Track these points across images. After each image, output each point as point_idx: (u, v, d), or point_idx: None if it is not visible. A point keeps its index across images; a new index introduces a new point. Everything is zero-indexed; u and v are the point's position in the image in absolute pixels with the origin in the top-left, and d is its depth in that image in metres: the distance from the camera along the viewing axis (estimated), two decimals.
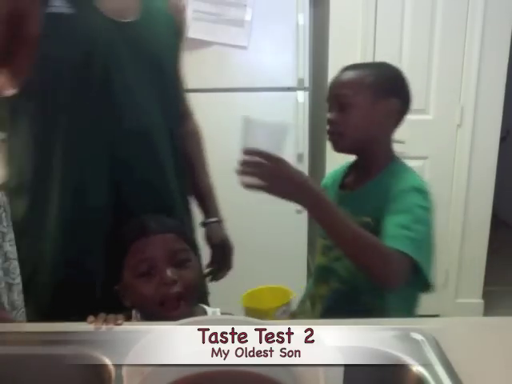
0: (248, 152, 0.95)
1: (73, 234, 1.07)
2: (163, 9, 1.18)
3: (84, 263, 1.09)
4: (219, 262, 1.38)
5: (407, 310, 1.14)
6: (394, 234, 1.02)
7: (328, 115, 1.15)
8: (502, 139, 2.65)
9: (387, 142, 1.18)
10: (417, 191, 1.10)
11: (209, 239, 1.36)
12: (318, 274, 1.22)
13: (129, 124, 1.06)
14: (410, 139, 2.51)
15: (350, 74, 1.15)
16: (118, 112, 1.06)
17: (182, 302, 0.95)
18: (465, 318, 0.97)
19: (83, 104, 1.04)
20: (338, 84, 1.15)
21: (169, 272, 0.95)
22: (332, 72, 2.48)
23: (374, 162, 1.16)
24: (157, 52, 1.12)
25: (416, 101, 2.65)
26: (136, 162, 1.09)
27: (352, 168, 1.24)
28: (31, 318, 1.22)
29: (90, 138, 1.05)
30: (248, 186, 0.95)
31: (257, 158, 0.95)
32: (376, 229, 1.05)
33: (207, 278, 1.35)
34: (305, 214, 2.63)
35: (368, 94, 1.11)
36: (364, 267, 1.00)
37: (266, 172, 0.95)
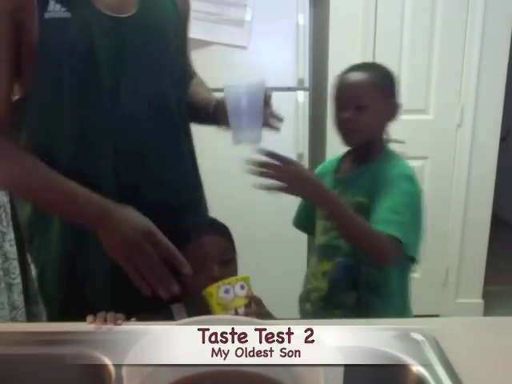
0: (264, 153, 1.06)
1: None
2: None
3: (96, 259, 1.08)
4: None
5: (401, 277, 1.29)
6: (385, 218, 1.16)
7: (339, 113, 1.25)
8: (502, 139, 2.65)
9: (383, 133, 1.33)
10: (406, 178, 1.23)
11: None
12: (321, 253, 1.33)
13: (131, 118, 1.06)
14: (410, 139, 2.50)
15: (360, 76, 1.25)
16: (121, 103, 1.05)
17: None
18: (465, 318, 0.98)
19: (88, 103, 1.04)
20: (350, 85, 1.25)
21: (216, 270, 1.05)
22: (332, 72, 2.48)
23: (371, 150, 1.29)
24: (160, 39, 1.11)
25: (416, 101, 2.66)
26: (142, 156, 1.10)
27: (346, 156, 1.37)
28: (51, 318, 1.23)
29: (96, 130, 1.05)
30: (266, 188, 1.05)
31: (275, 161, 1.06)
32: (369, 208, 1.20)
33: None
34: None
35: (379, 95, 1.24)
36: (360, 248, 1.19)
37: (286, 174, 1.07)
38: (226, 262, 1.10)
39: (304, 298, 1.38)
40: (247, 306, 0.95)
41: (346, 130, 1.25)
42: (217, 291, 0.95)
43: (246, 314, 0.93)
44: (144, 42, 1.07)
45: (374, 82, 1.24)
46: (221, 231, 1.15)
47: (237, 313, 0.93)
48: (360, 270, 1.25)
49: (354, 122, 1.22)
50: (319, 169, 1.45)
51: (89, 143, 1.05)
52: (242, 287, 0.96)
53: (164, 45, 1.12)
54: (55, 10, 0.98)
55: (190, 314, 1.07)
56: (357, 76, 1.25)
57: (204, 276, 1.03)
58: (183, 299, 1.09)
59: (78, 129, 1.04)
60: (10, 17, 0.96)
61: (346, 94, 1.25)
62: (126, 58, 1.05)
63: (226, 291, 0.95)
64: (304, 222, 1.46)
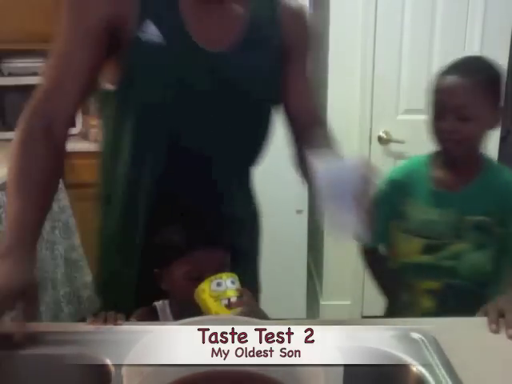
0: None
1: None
2: (269, 27, 1.04)
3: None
4: None
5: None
6: None
7: (439, 122, 1.14)
8: (502, 139, 2.65)
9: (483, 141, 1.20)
10: None
11: None
12: (424, 272, 1.22)
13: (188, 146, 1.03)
14: (410, 139, 2.51)
15: (465, 81, 1.12)
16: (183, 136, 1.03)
17: None
18: (465, 318, 0.97)
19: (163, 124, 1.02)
20: (452, 91, 1.13)
21: None
22: (332, 72, 2.49)
23: (475, 162, 1.19)
24: (248, 85, 1.03)
25: (416, 101, 2.65)
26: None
27: (438, 165, 1.22)
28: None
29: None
30: None
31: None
32: (490, 225, 1.13)
33: None
34: (305, 214, 2.63)
35: (487, 103, 1.12)
36: None
37: None
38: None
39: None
40: (239, 297, 0.95)
41: (448, 142, 1.14)
42: (209, 285, 0.95)
43: (239, 305, 0.93)
44: (229, 82, 1.00)
45: (481, 89, 1.10)
46: (226, 243, 1.09)
47: (230, 303, 0.93)
48: (477, 294, 1.16)
49: (454, 133, 1.11)
50: (401, 176, 1.28)
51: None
52: (233, 282, 0.97)
53: (256, 87, 1.04)
54: (150, 31, 0.95)
55: (173, 312, 1.08)
56: (460, 81, 1.11)
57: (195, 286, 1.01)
58: (167, 296, 1.10)
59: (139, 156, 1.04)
60: (104, 23, 0.95)
61: (448, 102, 1.12)
62: (207, 91, 1.00)
63: (219, 284, 0.96)
64: (385, 237, 1.28)
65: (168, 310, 1.09)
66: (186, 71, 0.98)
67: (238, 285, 0.98)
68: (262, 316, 0.99)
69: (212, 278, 0.96)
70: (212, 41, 0.99)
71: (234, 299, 0.94)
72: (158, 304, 1.10)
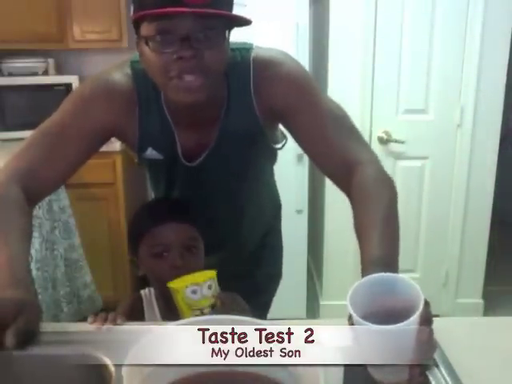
0: None
1: None
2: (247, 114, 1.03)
3: None
4: None
5: None
6: None
7: None
8: (502, 139, 2.65)
9: None
10: None
11: None
12: None
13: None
14: (410, 139, 2.51)
15: None
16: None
17: None
18: (465, 318, 0.97)
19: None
20: None
21: (179, 259, 1.05)
22: (332, 72, 2.49)
23: None
24: (235, 172, 1.13)
25: (416, 101, 2.66)
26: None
27: None
28: None
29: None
30: None
31: None
32: None
33: None
34: (305, 214, 2.63)
35: None
36: None
37: None
38: (189, 249, 1.08)
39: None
40: (213, 306, 0.95)
41: None
42: (184, 291, 0.94)
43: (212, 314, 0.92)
44: (215, 186, 1.13)
45: None
46: (183, 217, 1.11)
47: (202, 313, 0.93)
48: None
49: None
50: None
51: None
52: (210, 287, 0.95)
53: (239, 175, 1.14)
54: (150, 154, 1.07)
55: (157, 299, 1.12)
56: None
57: (167, 264, 1.05)
58: (151, 285, 1.13)
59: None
60: (107, 132, 1.05)
61: None
62: (201, 196, 1.13)
63: (194, 292, 0.94)
64: None
65: (153, 298, 1.12)
66: (175, 178, 1.13)
67: (214, 289, 0.95)
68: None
69: (188, 281, 0.94)
70: (193, 155, 1.07)
71: (207, 310, 0.93)
72: (144, 292, 1.13)
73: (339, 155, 1.00)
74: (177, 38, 0.86)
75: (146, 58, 0.91)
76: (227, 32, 0.92)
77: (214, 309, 0.95)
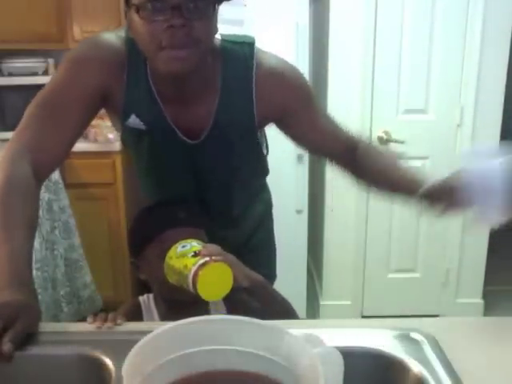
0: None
1: None
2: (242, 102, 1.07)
3: None
4: None
5: None
6: None
7: None
8: (502, 139, 2.65)
9: None
10: None
11: None
12: None
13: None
14: (410, 139, 2.51)
15: None
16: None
17: None
18: (465, 318, 0.97)
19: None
20: None
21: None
22: (332, 72, 2.49)
23: None
24: (231, 156, 1.13)
25: (416, 101, 2.66)
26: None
27: None
28: None
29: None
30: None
31: None
32: None
33: None
34: (305, 214, 2.63)
35: None
36: None
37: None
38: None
39: None
40: (204, 247, 0.96)
41: None
42: (175, 250, 0.96)
43: (209, 254, 0.92)
44: (214, 166, 1.13)
45: None
46: (195, 222, 1.11)
47: (197, 253, 0.93)
48: None
49: None
50: None
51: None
52: (199, 243, 0.98)
53: (236, 157, 1.14)
54: (133, 122, 1.05)
55: (157, 305, 1.11)
56: None
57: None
58: (151, 290, 1.12)
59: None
60: (98, 91, 1.02)
61: None
62: (197, 175, 1.14)
63: (183, 246, 0.96)
64: None
65: (152, 304, 1.11)
66: (166, 157, 1.11)
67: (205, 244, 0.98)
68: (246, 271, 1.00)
69: (177, 244, 0.97)
70: (188, 131, 1.06)
71: (200, 249, 0.94)
72: (142, 298, 1.12)
73: (344, 140, 1.16)
74: (168, 6, 0.87)
75: (136, 28, 0.91)
76: (216, 5, 0.95)
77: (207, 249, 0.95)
